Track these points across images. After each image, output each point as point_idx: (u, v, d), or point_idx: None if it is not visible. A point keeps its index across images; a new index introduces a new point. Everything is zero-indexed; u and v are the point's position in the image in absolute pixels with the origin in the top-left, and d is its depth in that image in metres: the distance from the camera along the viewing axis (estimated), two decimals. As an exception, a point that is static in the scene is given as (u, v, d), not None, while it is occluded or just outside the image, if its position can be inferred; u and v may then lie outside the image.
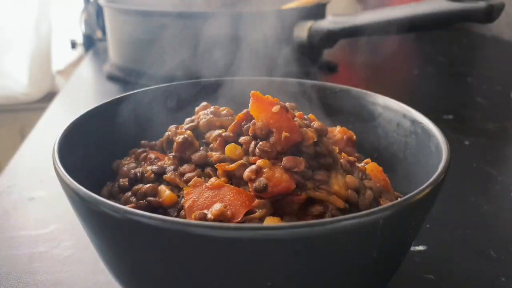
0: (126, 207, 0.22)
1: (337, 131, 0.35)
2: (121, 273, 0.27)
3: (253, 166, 0.26)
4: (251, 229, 0.21)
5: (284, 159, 0.27)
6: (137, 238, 0.23)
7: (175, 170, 0.30)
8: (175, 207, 0.29)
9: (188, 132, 0.32)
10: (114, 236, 0.24)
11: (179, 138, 0.31)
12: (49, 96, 1.07)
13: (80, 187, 0.24)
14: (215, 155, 0.30)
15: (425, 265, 0.33)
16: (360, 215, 0.22)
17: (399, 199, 0.24)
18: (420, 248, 0.35)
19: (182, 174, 0.30)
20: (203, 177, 0.29)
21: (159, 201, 0.29)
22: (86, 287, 0.31)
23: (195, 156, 0.31)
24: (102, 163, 0.34)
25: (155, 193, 0.29)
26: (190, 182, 0.28)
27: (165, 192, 0.29)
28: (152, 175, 0.31)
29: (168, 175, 0.30)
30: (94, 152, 0.33)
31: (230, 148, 0.29)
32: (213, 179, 0.28)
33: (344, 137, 0.35)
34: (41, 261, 0.34)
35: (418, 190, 0.24)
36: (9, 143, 0.99)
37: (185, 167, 0.30)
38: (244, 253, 0.21)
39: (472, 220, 0.39)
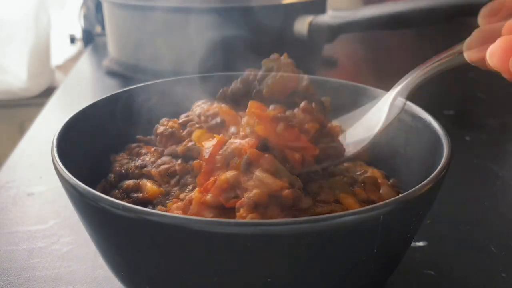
0: (125, 203, 0.22)
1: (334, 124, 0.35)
2: (121, 269, 0.27)
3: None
4: (252, 225, 0.21)
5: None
6: (136, 233, 0.23)
7: (154, 163, 0.30)
8: (165, 201, 0.28)
9: (171, 124, 0.32)
10: (113, 232, 0.24)
11: (162, 129, 0.31)
12: (48, 91, 1.06)
13: (79, 182, 0.24)
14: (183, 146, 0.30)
15: (426, 261, 0.33)
16: (361, 211, 0.22)
17: (399, 195, 0.23)
18: (421, 243, 0.35)
19: (158, 167, 0.30)
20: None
21: (145, 196, 0.28)
22: (85, 283, 0.31)
23: (169, 150, 0.30)
24: (101, 158, 0.33)
25: (138, 188, 0.29)
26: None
27: (147, 185, 0.29)
28: (137, 171, 0.30)
29: (147, 168, 0.30)
30: (93, 148, 0.33)
31: (198, 135, 0.29)
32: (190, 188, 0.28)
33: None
34: (40, 257, 0.34)
35: (419, 186, 0.24)
36: (8, 139, 0.98)
37: (163, 159, 0.30)
38: (244, 249, 0.21)
39: (472, 216, 0.39)
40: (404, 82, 0.31)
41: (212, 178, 0.25)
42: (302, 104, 0.29)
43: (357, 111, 0.33)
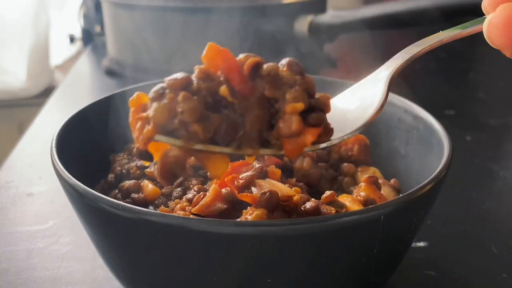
0: (124, 203, 0.22)
1: (349, 138, 0.34)
2: (120, 269, 0.27)
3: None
4: (251, 225, 0.21)
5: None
6: (135, 234, 0.22)
7: (156, 164, 0.30)
8: (166, 202, 0.28)
9: None
10: (112, 232, 0.24)
11: None
12: (47, 91, 1.06)
13: (78, 182, 0.23)
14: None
15: (426, 261, 0.33)
16: (361, 211, 0.22)
17: (400, 195, 0.23)
18: (421, 244, 0.35)
19: None
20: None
21: (143, 197, 0.28)
22: (85, 283, 0.31)
23: None
24: (101, 158, 0.33)
25: (138, 189, 0.29)
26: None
27: (148, 186, 0.28)
28: (138, 171, 0.30)
29: (149, 169, 0.30)
30: (93, 148, 0.33)
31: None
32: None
33: (356, 146, 0.33)
34: (40, 257, 0.34)
35: (419, 186, 0.23)
36: (7, 139, 0.98)
37: None
38: (244, 249, 0.21)
39: (473, 216, 0.39)
40: (401, 60, 0.27)
41: (231, 175, 0.26)
42: (285, 60, 0.23)
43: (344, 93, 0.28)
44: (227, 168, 0.23)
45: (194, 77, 0.22)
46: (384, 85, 0.26)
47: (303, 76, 0.22)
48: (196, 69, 0.22)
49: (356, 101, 0.27)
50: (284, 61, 0.23)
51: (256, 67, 0.22)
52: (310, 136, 0.22)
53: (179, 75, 0.22)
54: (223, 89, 0.21)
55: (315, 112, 0.22)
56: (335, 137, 0.24)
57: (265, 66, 0.22)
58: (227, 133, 0.21)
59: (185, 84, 0.21)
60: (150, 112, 0.21)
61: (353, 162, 0.33)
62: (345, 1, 1.18)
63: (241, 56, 0.23)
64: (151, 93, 0.22)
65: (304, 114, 0.22)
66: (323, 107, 0.23)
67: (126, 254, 0.25)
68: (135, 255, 0.24)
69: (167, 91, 0.21)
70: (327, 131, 0.23)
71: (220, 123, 0.21)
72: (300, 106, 0.21)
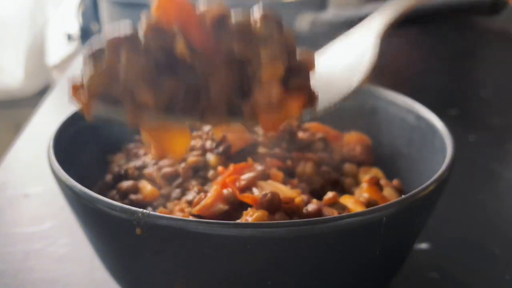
0: (122, 204, 0.21)
1: (350, 138, 0.34)
2: (118, 271, 0.26)
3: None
4: (251, 227, 0.21)
5: None
6: (133, 235, 0.22)
7: (156, 164, 0.29)
8: (165, 203, 0.28)
9: None
10: (110, 234, 0.24)
11: None
12: (44, 91, 1.05)
13: (76, 183, 0.23)
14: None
15: (429, 263, 0.33)
16: (363, 213, 0.22)
17: (402, 196, 0.23)
18: (424, 246, 0.34)
19: (160, 169, 0.29)
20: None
21: (142, 198, 0.28)
22: (82, 285, 0.31)
23: None
24: (99, 159, 0.33)
25: (137, 190, 0.28)
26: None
27: (146, 187, 0.28)
28: (136, 172, 0.30)
29: (148, 170, 0.29)
30: (90, 148, 0.32)
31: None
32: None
33: (358, 147, 0.33)
34: (37, 259, 0.33)
35: (422, 187, 0.23)
36: (3, 139, 0.98)
37: (165, 161, 0.29)
38: (244, 251, 0.21)
39: (476, 218, 0.39)
40: (395, 11, 0.22)
41: (232, 176, 0.26)
42: (258, 10, 0.19)
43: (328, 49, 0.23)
44: (188, 144, 0.20)
45: (141, 34, 0.18)
46: (374, 41, 0.21)
47: (281, 30, 0.18)
48: (144, 23, 0.18)
49: (342, 61, 0.22)
50: (257, 11, 0.18)
51: (222, 20, 0.18)
52: (293, 106, 0.18)
53: (122, 29, 0.17)
54: (180, 45, 0.17)
55: (297, 75, 0.18)
56: (319, 106, 0.19)
57: (233, 18, 0.18)
58: (186, 101, 0.17)
59: (130, 41, 0.17)
60: (84, 79, 0.17)
61: (355, 163, 0.33)
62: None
63: (202, 7, 0.18)
64: (85, 53, 0.18)
65: (284, 77, 0.18)
66: (307, 67, 0.19)
67: (124, 256, 0.24)
68: (133, 257, 0.24)
69: (106, 50, 0.17)
70: (311, 97, 0.19)
71: (177, 89, 0.17)
72: (280, 69, 0.17)
